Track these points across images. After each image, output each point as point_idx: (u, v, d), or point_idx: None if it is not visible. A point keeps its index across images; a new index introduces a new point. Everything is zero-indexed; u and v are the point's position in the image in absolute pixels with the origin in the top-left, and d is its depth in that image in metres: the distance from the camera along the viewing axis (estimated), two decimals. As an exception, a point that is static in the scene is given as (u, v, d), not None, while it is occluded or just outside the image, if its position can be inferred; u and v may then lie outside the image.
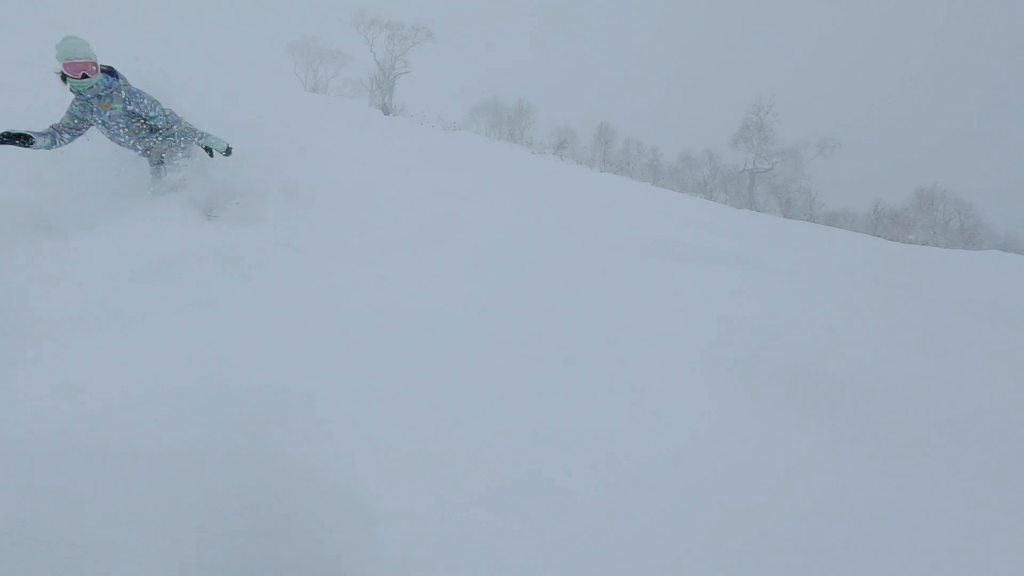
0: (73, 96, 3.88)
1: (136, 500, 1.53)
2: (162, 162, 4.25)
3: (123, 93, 3.95)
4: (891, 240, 21.22)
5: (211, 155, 4.15)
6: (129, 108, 3.96)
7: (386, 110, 28.46)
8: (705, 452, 2.20)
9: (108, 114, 3.95)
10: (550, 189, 10.25)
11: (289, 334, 2.72)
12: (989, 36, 74.83)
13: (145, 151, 4.22)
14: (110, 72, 3.93)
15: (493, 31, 67.03)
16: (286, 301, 3.13)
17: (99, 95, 3.87)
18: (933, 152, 52.18)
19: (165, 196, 4.15)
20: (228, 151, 4.13)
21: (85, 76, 3.72)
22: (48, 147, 3.79)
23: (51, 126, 3.84)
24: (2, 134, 3.54)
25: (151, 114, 4.01)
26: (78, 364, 2.22)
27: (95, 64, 3.78)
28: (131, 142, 4.13)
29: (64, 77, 3.76)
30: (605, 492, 1.91)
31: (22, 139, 3.60)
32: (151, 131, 4.10)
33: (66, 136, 3.89)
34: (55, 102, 3.98)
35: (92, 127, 4.01)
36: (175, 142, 4.15)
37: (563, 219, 6.44)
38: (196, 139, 4.12)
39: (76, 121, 3.92)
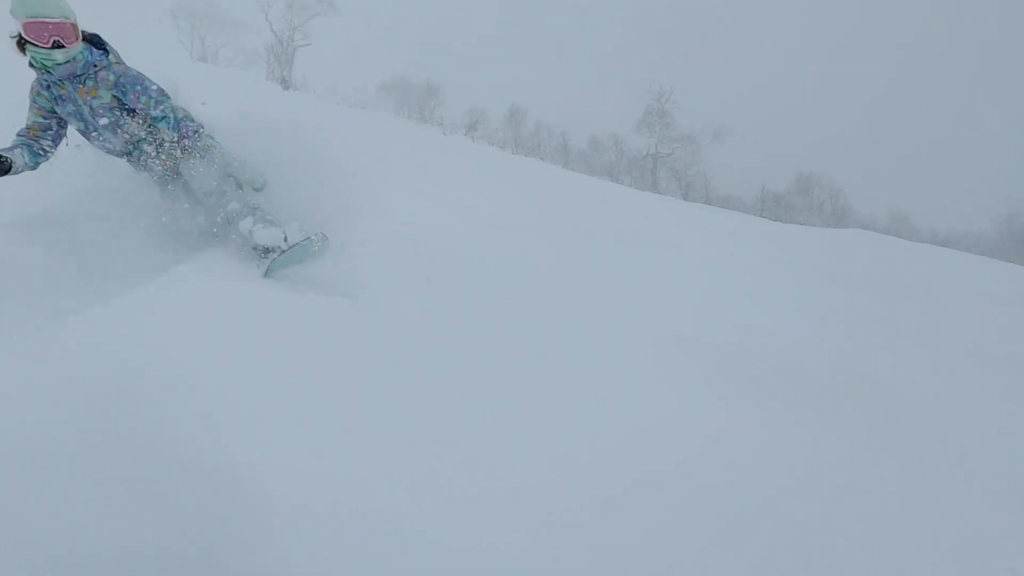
0: (35, 76, 2.62)
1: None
2: (178, 177, 2.91)
3: (114, 75, 2.65)
4: (775, 220, 23.30)
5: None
6: (127, 99, 2.68)
7: (285, 84, 26.63)
8: (714, 457, 2.14)
9: (89, 104, 2.65)
10: (462, 171, 10.12)
11: (185, 321, 2.45)
12: (853, 35, 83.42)
13: (140, 160, 2.88)
14: (95, 42, 2.67)
15: (403, 8, 64.70)
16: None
17: (76, 75, 2.58)
18: (813, 140, 57.64)
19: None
20: (263, 186, 2.98)
21: (58, 45, 2.46)
22: (32, 165, 2.66)
23: (18, 134, 2.67)
24: None
25: (154, 113, 2.69)
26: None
27: (75, 27, 2.50)
28: (123, 148, 2.83)
29: (23, 44, 2.48)
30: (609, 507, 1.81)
31: None
32: (154, 134, 2.79)
33: (45, 143, 2.69)
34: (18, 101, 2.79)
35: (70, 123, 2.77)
36: (198, 159, 2.79)
37: (484, 203, 6.36)
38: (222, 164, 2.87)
39: (48, 117, 2.68)
